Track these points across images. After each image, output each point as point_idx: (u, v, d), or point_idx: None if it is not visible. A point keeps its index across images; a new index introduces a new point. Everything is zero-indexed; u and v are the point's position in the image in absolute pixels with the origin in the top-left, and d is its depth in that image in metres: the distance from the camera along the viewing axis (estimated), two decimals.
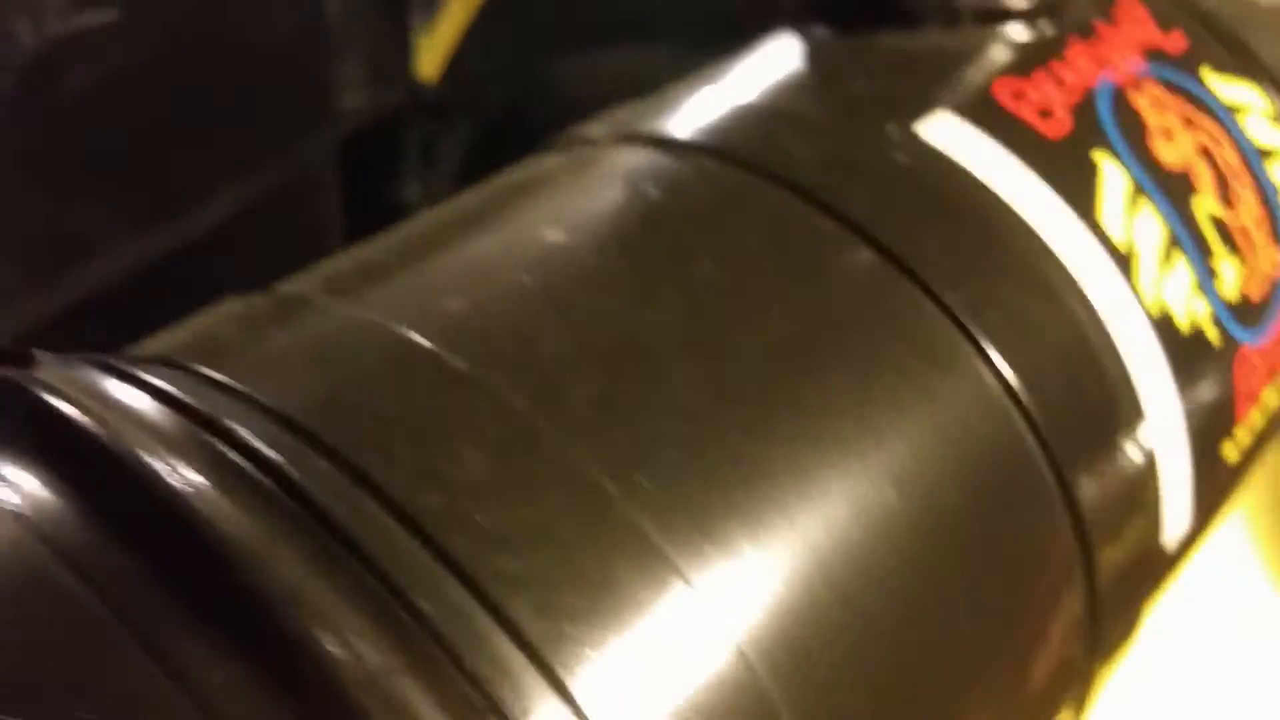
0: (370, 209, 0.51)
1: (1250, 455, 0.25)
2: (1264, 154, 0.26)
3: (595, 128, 0.24)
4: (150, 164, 0.42)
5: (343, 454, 0.15)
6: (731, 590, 0.16)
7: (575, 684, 0.15)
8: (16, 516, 0.15)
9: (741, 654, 0.16)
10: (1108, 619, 0.21)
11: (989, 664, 0.19)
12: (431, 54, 0.53)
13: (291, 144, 0.47)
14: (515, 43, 0.54)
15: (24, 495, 0.15)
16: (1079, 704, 0.22)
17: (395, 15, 0.51)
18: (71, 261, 0.39)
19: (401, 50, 0.51)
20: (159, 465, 0.14)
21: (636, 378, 0.17)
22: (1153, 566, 0.22)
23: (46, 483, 0.15)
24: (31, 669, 0.14)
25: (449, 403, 0.17)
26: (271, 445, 0.15)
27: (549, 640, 0.15)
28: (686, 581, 0.16)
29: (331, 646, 0.13)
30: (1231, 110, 0.26)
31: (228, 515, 0.14)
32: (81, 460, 0.15)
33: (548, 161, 0.22)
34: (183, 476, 0.14)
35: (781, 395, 0.18)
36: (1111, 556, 0.21)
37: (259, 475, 0.15)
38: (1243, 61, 0.28)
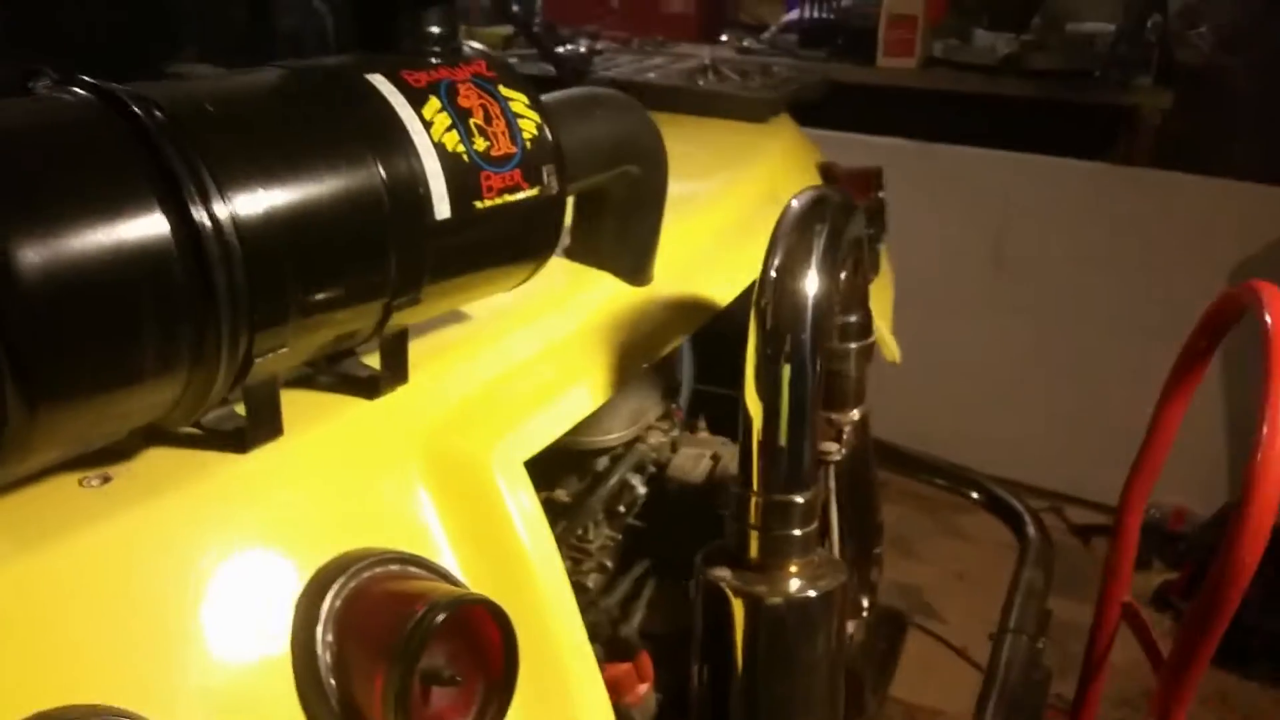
0: None
1: (496, 211, 0.71)
2: (517, 115, 0.74)
3: None
4: None
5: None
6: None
7: None
8: (76, 100, 0.58)
9: None
10: (413, 265, 0.67)
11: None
12: None
13: None
14: None
15: (77, 96, 0.58)
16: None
17: None
18: None
19: None
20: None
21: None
22: (434, 231, 0.68)
23: (86, 98, 0.58)
24: (73, 155, 0.57)
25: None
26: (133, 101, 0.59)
27: None
28: None
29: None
30: (507, 98, 0.74)
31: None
32: (98, 93, 0.59)
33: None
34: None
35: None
36: (407, 226, 0.66)
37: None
38: (520, 84, 0.75)
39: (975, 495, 1.35)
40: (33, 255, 0.51)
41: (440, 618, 0.60)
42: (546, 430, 0.79)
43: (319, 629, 0.61)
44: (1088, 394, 2.81)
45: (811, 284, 0.74)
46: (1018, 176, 2.84)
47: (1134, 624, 1.29)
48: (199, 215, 0.57)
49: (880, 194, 1.48)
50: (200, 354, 0.58)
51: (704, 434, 1.19)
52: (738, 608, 0.79)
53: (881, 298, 1.41)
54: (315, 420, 0.69)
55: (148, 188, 0.56)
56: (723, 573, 0.79)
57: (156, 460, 0.64)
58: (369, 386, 0.73)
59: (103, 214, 0.54)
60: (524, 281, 0.81)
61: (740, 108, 1.57)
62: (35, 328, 0.52)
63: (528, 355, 0.84)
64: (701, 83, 1.68)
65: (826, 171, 1.54)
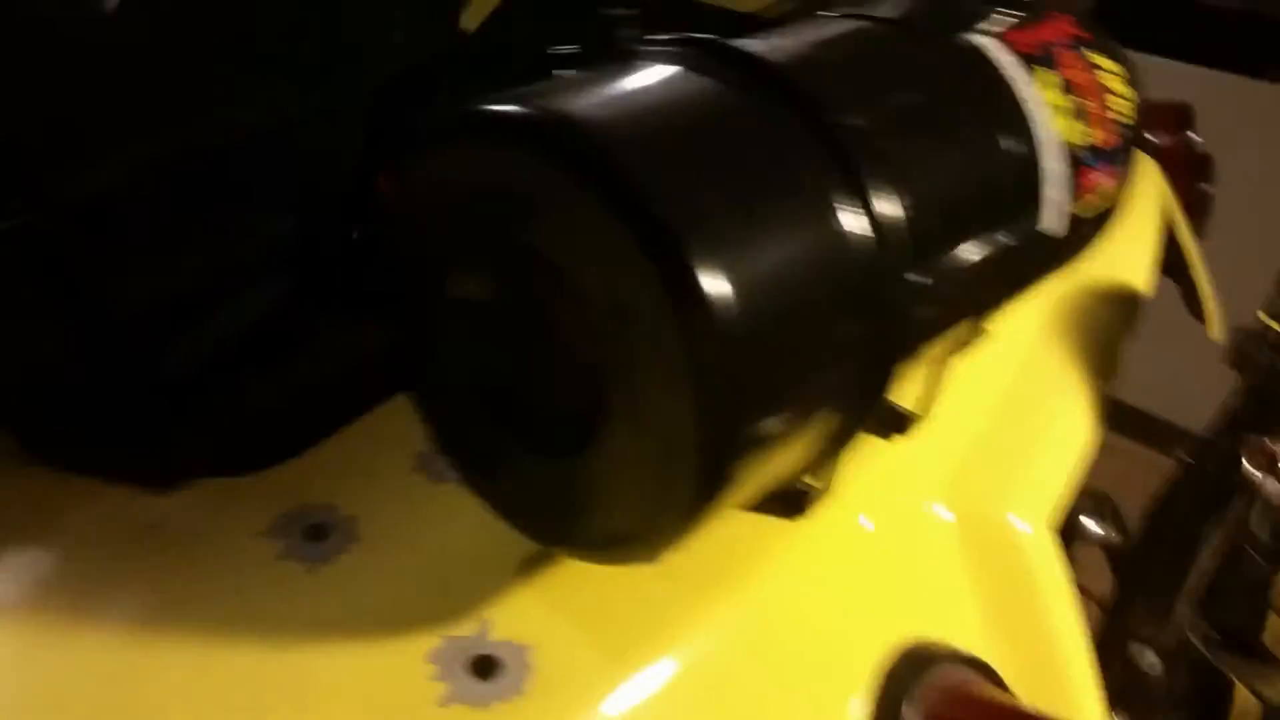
0: (391, 146, 0.49)
1: (1083, 220, 0.56)
2: (1109, 90, 0.58)
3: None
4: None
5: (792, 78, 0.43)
6: None
7: None
8: (688, 62, 0.42)
9: None
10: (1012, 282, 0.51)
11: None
12: (479, 5, 0.58)
13: (334, 72, 0.51)
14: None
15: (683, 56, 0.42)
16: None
17: None
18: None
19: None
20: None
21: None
22: (1038, 243, 0.53)
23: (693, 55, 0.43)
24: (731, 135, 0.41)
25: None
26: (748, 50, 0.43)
27: None
28: None
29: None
30: (1098, 67, 0.57)
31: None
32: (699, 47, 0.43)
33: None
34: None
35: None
36: (1019, 233, 0.51)
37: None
38: (1112, 50, 0.59)
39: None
40: (736, 297, 0.36)
41: None
42: (1057, 474, 0.65)
43: None
44: None
45: None
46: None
47: None
48: (884, 213, 0.42)
49: (1190, 134, 1.27)
50: (865, 398, 0.44)
51: None
52: (1241, 698, 0.67)
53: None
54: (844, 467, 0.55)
55: (823, 182, 0.41)
56: (1226, 655, 0.67)
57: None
58: (893, 422, 0.59)
59: (789, 222, 0.39)
60: None
61: None
62: (733, 399, 0.37)
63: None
64: None
65: None
